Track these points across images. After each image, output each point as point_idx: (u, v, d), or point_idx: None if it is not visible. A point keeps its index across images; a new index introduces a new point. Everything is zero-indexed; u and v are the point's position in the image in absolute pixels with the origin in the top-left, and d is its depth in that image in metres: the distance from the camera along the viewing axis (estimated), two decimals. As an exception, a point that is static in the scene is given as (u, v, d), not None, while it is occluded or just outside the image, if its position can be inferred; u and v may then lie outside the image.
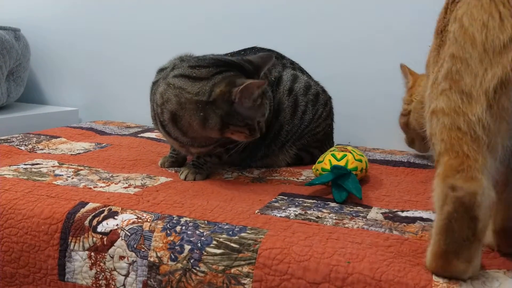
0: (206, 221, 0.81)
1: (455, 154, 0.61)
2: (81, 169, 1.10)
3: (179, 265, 0.75)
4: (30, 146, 1.30)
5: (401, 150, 1.48)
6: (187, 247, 0.76)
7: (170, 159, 1.19)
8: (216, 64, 1.03)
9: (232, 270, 0.73)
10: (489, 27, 0.59)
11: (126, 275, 0.78)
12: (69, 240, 0.82)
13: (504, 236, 0.72)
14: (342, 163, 1.02)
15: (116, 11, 1.86)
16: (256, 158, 1.21)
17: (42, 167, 1.09)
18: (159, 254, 0.77)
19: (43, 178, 1.00)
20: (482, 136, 0.60)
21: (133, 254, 0.78)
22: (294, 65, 1.31)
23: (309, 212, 0.87)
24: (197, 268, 0.74)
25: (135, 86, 1.79)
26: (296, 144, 1.24)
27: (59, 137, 1.44)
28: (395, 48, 1.36)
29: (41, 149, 1.28)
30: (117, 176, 1.06)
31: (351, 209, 0.90)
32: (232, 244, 0.75)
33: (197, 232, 0.78)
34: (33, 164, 1.11)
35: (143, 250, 0.78)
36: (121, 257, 0.79)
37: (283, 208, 0.89)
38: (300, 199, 0.95)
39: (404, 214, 0.88)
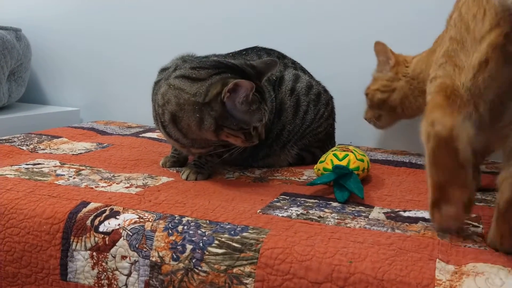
0: (208, 221, 0.81)
1: (442, 94, 0.73)
2: (83, 169, 1.10)
3: (181, 264, 0.75)
4: (31, 146, 1.30)
5: (402, 150, 1.48)
6: (189, 247, 0.76)
7: (172, 159, 1.19)
8: (217, 66, 1.02)
9: (234, 270, 0.73)
10: (477, 19, 0.71)
11: (128, 275, 0.78)
12: (71, 240, 0.82)
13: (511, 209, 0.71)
14: (344, 163, 1.02)
15: (117, 11, 1.86)
16: (258, 158, 1.21)
17: (43, 167, 1.09)
18: (161, 254, 0.77)
19: (44, 178, 1.00)
20: (464, 95, 0.72)
21: (135, 253, 0.78)
22: (295, 65, 1.31)
23: (311, 211, 0.87)
24: (199, 268, 0.74)
25: (137, 86, 1.79)
26: (297, 144, 1.24)
27: (60, 137, 1.44)
28: (395, 48, 1.36)
29: (43, 149, 1.29)
30: (119, 176, 1.06)
31: (353, 209, 0.90)
32: (234, 244, 0.75)
33: (199, 231, 0.78)
34: (34, 164, 1.11)
35: (145, 249, 0.78)
36: (123, 257, 0.79)
37: (285, 208, 0.89)
38: (302, 199, 0.95)
39: (406, 214, 0.88)
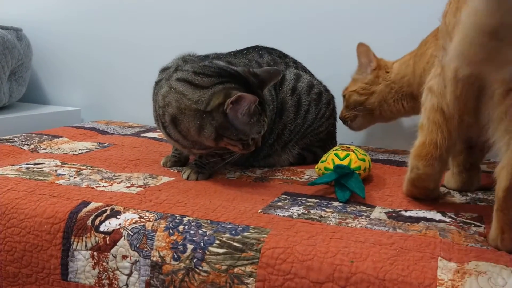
0: (209, 221, 0.81)
1: (429, 141, 0.87)
2: (84, 169, 1.09)
3: (182, 264, 0.75)
4: (32, 146, 1.30)
5: (404, 149, 1.48)
6: (190, 247, 0.76)
7: (173, 159, 1.19)
8: (220, 74, 1.02)
9: (235, 270, 0.72)
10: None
11: (129, 275, 0.78)
12: (72, 240, 0.82)
13: (509, 197, 0.72)
14: (345, 162, 1.02)
15: (117, 11, 1.86)
16: (259, 158, 1.21)
17: (44, 167, 1.09)
18: (161, 254, 0.77)
19: (45, 178, 1.00)
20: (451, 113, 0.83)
21: (136, 253, 0.78)
22: (297, 64, 1.31)
23: (312, 211, 0.87)
24: (200, 268, 0.74)
25: (137, 86, 1.79)
26: (299, 143, 1.24)
27: (61, 136, 1.44)
28: (395, 48, 1.36)
29: (43, 149, 1.28)
30: (120, 175, 1.06)
31: (355, 209, 0.90)
32: (235, 244, 0.75)
33: (200, 231, 0.78)
34: (35, 164, 1.11)
35: (145, 249, 0.78)
36: (124, 257, 0.79)
37: (286, 207, 0.89)
38: (303, 199, 0.95)
39: (407, 213, 0.88)
